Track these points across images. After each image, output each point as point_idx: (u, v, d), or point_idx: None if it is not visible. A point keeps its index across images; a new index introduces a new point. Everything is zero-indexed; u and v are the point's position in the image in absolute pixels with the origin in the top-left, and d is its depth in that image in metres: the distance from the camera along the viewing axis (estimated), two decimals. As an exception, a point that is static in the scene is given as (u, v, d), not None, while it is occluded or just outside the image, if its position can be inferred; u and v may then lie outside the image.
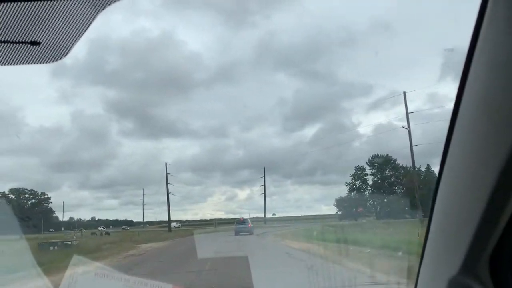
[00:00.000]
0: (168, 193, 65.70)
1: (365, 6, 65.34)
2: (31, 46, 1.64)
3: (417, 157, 58.12)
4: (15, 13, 1.56)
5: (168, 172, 67.77)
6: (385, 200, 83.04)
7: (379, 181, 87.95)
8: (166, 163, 64.30)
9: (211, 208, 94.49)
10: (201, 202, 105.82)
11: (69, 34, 1.67)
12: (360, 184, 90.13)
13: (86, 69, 78.87)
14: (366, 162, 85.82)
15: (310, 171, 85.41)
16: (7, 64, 1.66)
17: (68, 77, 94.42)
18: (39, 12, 1.59)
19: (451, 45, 66.06)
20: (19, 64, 1.66)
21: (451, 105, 1.44)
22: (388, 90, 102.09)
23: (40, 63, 1.67)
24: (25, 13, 1.57)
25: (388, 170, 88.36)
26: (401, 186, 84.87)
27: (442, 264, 1.67)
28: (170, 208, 68.39)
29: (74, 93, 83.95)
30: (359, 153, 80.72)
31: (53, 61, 1.69)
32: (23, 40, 1.62)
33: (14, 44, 1.62)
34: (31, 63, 1.67)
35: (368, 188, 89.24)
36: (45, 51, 1.67)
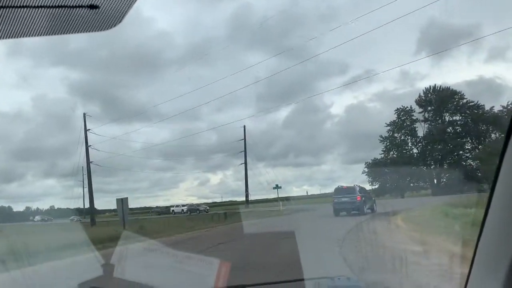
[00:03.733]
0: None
1: None
2: (89, 11, 1.67)
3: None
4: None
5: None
6: (451, 161, 69.11)
7: (437, 130, 70.54)
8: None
9: (183, 193, 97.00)
10: (172, 188, 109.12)
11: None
12: (405, 137, 74.22)
13: (47, 48, 78.60)
14: (416, 101, 71.92)
15: (283, 153, 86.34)
16: (63, 33, 1.71)
17: (27, 57, 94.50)
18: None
19: (427, 21, 75.92)
20: (76, 32, 1.71)
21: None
22: (364, 69, 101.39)
23: (97, 30, 1.71)
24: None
25: (450, 112, 71.29)
26: (476, 138, 69.52)
27: (507, 236, 1.74)
28: (140, 195, 67.87)
29: (34, 75, 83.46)
30: (333, 135, 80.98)
31: (109, 28, 1.74)
32: (81, 4, 1.66)
33: (71, 9, 1.66)
34: (88, 31, 1.71)
35: (419, 144, 73.94)
36: (102, 17, 1.71)
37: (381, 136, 72.58)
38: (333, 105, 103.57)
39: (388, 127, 72.98)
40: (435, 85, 70.06)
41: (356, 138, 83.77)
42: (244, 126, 63.71)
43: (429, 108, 71.35)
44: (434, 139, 69.95)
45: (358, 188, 31.45)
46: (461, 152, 69.72)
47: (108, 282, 3.63)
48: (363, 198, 30.11)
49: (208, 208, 61.03)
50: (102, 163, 53.91)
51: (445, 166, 67.49)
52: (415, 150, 73.85)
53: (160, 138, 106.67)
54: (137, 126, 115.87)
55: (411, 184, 70.84)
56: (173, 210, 61.99)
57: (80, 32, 1.73)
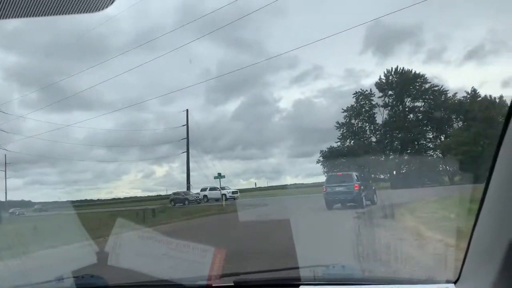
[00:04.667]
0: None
1: None
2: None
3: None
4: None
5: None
6: (412, 151, 69.31)
7: (398, 117, 71.12)
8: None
9: (126, 186, 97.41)
10: (115, 180, 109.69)
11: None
12: (362, 124, 74.28)
13: (-21, 28, 76.29)
14: (376, 84, 72.14)
15: (231, 146, 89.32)
16: (51, 14, 1.71)
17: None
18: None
19: (373, 21, 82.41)
20: (63, 13, 1.71)
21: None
22: (312, 64, 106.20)
23: (85, 12, 1.71)
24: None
25: (412, 97, 71.69)
26: (438, 127, 70.02)
27: (502, 225, 1.85)
28: (82, 187, 65.88)
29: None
30: (280, 128, 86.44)
31: (98, 10, 1.74)
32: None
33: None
34: (76, 12, 1.71)
35: (377, 131, 74.11)
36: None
37: (337, 123, 72.58)
38: (281, 99, 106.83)
39: (345, 113, 72.92)
40: (397, 66, 70.44)
41: (303, 132, 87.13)
42: (187, 110, 63.06)
43: (390, 92, 71.19)
44: (394, 127, 70.01)
45: (355, 175, 28.52)
46: (422, 141, 70.21)
47: (102, 270, 3.67)
48: (362, 187, 27.35)
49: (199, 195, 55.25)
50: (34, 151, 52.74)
51: (405, 157, 67.40)
52: (373, 139, 74.05)
53: (104, 128, 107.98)
54: (78, 115, 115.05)
55: (372, 175, 67.87)
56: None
57: (72, 13, 1.73)
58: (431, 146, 70.28)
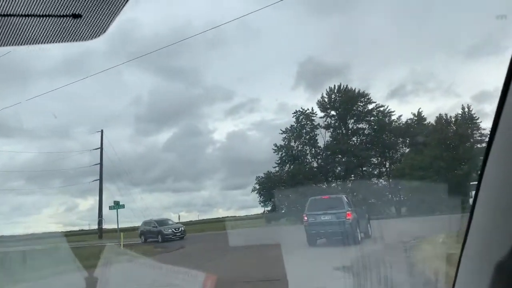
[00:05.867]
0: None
1: (235, 7, 75.72)
2: (72, 20, 2.01)
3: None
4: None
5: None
6: (356, 178, 68.82)
7: (341, 140, 70.10)
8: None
9: (47, 220, 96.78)
10: (35, 214, 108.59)
11: (109, 8, 2.06)
12: (303, 147, 73.36)
13: None
14: (317, 102, 71.80)
15: (161, 178, 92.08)
16: (48, 42, 2.03)
17: None
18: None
19: (306, 56, 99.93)
20: (61, 41, 2.03)
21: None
22: (247, 97, 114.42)
23: (80, 40, 2.05)
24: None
25: (356, 118, 71.72)
26: (383, 151, 70.55)
27: (487, 251, 2.09)
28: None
29: None
30: (214, 160, 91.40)
31: (92, 38, 2.08)
32: (65, 14, 1.99)
33: (55, 18, 1.99)
34: (71, 41, 2.04)
35: (319, 155, 73.14)
36: (85, 26, 2.05)
37: (275, 145, 71.16)
38: (216, 130, 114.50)
39: (284, 134, 71.56)
40: (340, 84, 70.53)
41: (236, 164, 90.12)
42: (102, 131, 61.35)
43: (333, 112, 71.23)
44: (336, 150, 69.25)
45: (345, 199, 24.92)
46: (366, 168, 70.29)
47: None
48: (355, 216, 23.40)
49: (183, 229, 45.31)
50: None
51: (349, 184, 66.89)
52: (315, 163, 72.69)
53: (24, 157, 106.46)
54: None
55: None
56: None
57: (64, 42, 2.05)
58: (376, 173, 69.66)
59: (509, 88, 1.81)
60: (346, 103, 69.41)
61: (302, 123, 72.29)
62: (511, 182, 1.82)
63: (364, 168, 69.98)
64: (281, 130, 72.20)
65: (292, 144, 72.36)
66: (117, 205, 44.18)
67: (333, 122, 72.09)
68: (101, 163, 60.67)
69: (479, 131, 60.02)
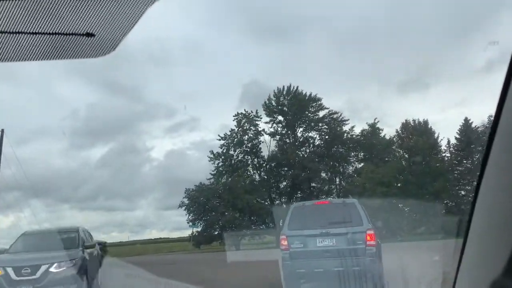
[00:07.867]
0: None
1: (182, 27, 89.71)
2: (85, 38, 2.44)
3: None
4: (70, 5, 2.36)
5: None
6: (301, 195, 66.75)
7: (288, 150, 69.11)
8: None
9: None
10: None
11: (121, 26, 2.50)
12: (244, 156, 72.06)
13: None
14: (263, 105, 70.60)
15: (93, 196, 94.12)
16: (61, 58, 2.45)
17: None
18: (92, 4, 2.40)
19: (251, 78, 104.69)
20: (73, 58, 2.45)
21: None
22: (189, 116, 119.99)
23: (92, 57, 2.47)
24: (79, 5, 2.38)
25: (305, 125, 71.63)
26: (333, 164, 70.50)
27: (483, 267, 2.28)
28: None
29: None
30: (149, 178, 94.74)
31: (104, 54, 2.51)
32: (78, 32, 2.42)
33: (69, 36, 2.41)
34: (84, 57, 2.46)
35: (262, 167, 72.00)
36: (97, 44, 2.48)
37: (211, 152, 69.34)
38: (154, 148, 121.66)
39: (223, 141, 70.19)
40: (290, 85, 69.83)
41: (173, 183, 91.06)
42: (2, 130, 61.42)
43: (280, 117, 70.71)
44: (282, 162, 68.29)
45: (360, 207, 15.52)
46: (314, 183, 69.71)
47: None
48: (378, 241, 15.36)
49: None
50: None
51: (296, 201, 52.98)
52: (257, 176, 71.72)
53: None
54: None
55: (253, 226, 65.71)
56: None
57: (77, 58, 2.46)
58: (325, 189, 69.75)
59: (509, 88, 1.97)
60: (295, 107, 69.02)
61: (244, 127, 70.69)
62: (511, 183, 1.98)
63: (312, 184, 69.50)
64: (219, 135, 70.47)
65: (232, 152, 70.80)
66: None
67: (279, 129, 71.64)
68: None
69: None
